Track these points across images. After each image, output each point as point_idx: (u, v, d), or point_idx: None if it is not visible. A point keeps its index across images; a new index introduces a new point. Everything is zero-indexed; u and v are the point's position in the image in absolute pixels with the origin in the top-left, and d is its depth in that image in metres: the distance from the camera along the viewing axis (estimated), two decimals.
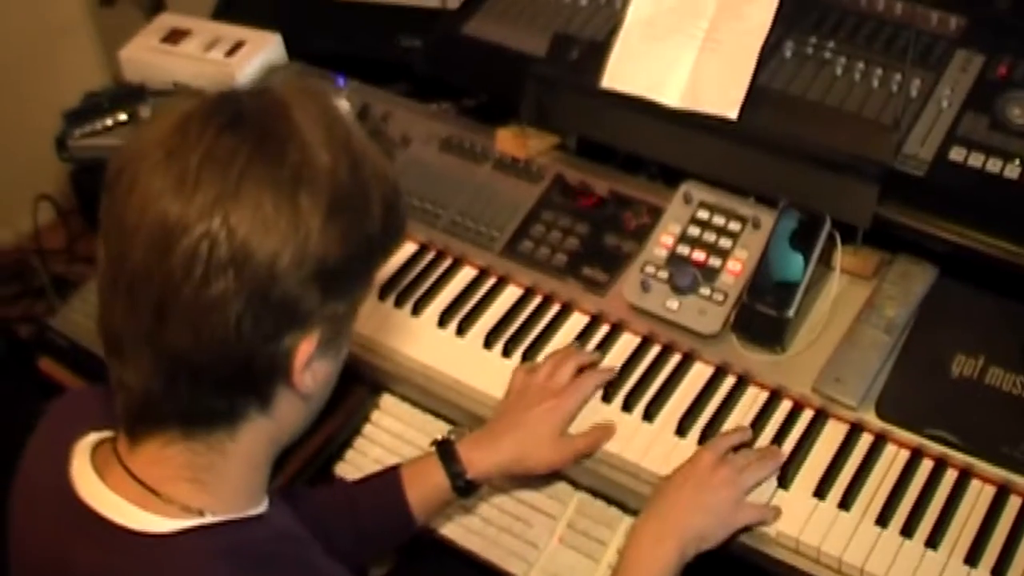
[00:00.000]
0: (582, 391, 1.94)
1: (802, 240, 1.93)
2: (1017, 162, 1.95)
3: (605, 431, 1.91)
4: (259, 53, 2.58)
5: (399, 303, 2.13)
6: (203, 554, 1.32)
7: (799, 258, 1.92)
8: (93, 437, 1.43)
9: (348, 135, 1.33)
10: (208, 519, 1.34)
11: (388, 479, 1.87)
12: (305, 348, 1.30)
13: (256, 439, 1.36)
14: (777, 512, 1.80)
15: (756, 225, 2.00)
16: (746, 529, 1.79)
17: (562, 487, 1.96)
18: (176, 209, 1.22)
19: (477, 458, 1.85)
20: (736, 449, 1.85)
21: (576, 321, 2.07)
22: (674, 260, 2.01)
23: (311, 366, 1.32)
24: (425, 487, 1.85)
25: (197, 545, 1.32)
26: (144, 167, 1.25)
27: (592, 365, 1.99)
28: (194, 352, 1.26)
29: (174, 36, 2.67)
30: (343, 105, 2.38)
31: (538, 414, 1.89)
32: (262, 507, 1.43)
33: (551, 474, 1.95)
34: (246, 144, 1.25)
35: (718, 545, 1.77)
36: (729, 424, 1.90)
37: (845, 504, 1.78)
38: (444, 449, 1.86)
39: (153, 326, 1.25)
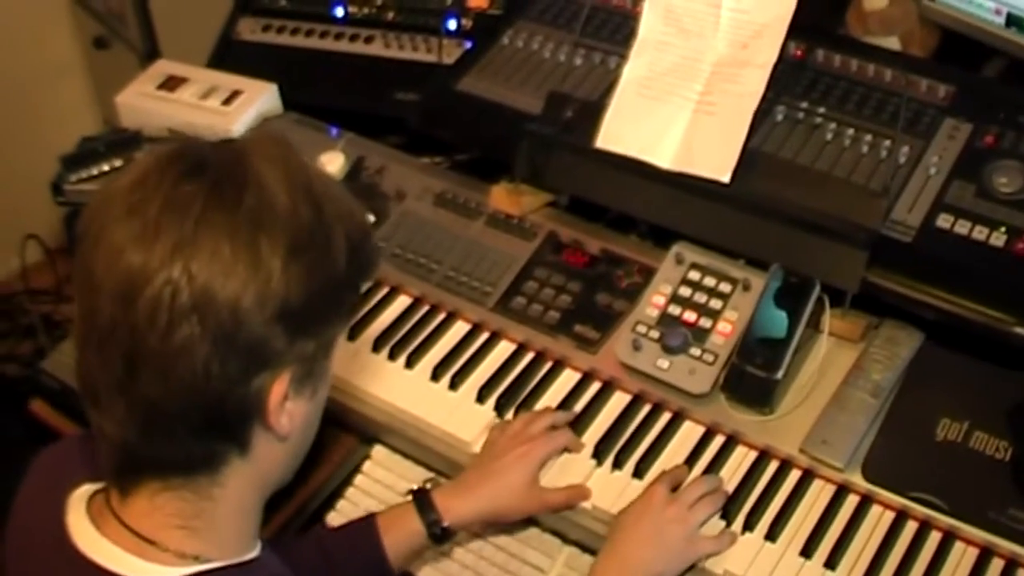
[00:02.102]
0: (553, 443, 1.96)
1: (791, 303, 1.96)
2: (1003, 230, 1.99)
3: (580, 491, 1.94)
4: (255, 103, 2.60)
5: (392, 356, 2.15)
6: None
7: (788, 321, 1.95)
8: (87, 488, 1.44)
9: (308, 177, 1.35)
10: (204, 566, 1.36)
11: (364, 527, 1.88)
12: (277, 388, 1.31)
13: (242, 484, 1.38)
14: (733, 538, 1.85)
15: (746, 287, 2.03)
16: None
17: (551, 540, 1.98)
18: (138, 259, 1.24)
19: (453, 506, 1.88)
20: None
21: (568, 378, 2.09)
22: (665, 320, 2.04)
23: (286, 407, 1.34)
24: (401, 535, 1.87)
25: None
26: (108, 220, 1.27)
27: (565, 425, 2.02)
28: (166, 400, 1.27)
29: (171, 83, 2.68)
30: (336, 157, 2.41)
31: (508, 462, 1.92)
32: (255, 551, 1.45)
33: (532, 522, 1.99)
34: (203, 190, 1.27)
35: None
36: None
37: (831, 564, 1.80)
38: (420, 498, 1.89)
39: (125, 376, 1.27)
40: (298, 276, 1.28)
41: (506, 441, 1.96)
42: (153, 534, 1.36)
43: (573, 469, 1.95)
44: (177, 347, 1.24)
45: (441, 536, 1.87)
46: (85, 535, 1.38)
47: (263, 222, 1.27)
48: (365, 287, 1.45)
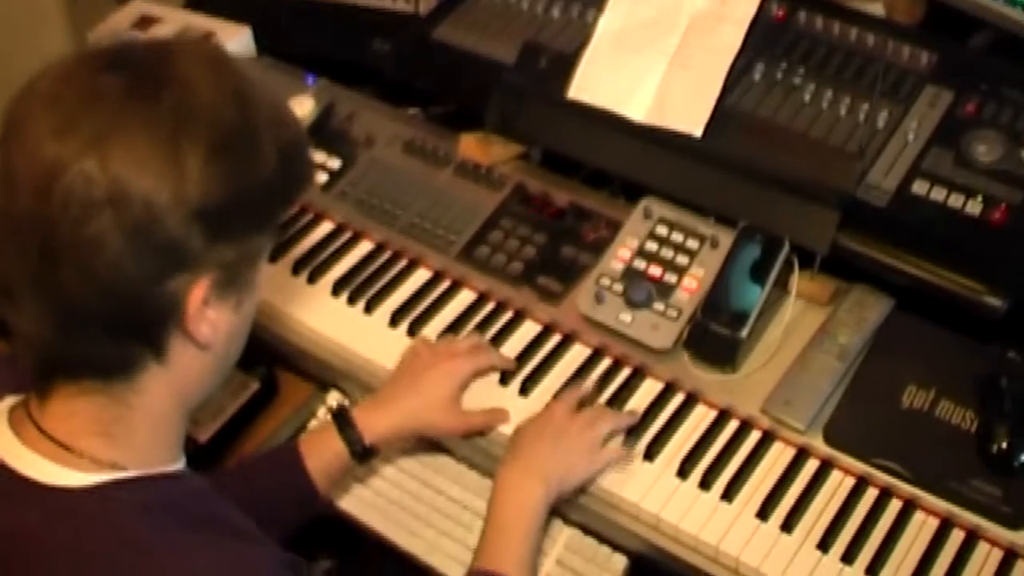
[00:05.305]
0: (477, 360, 1.97)
1: (759, 262, 1.93)
2: (979, 199, 1.95)
3: (502, 413, 1.93)
4: (228, 44, 2.54)
5: (352, 300, 2.12)
6: (117, 507, 1.33)
7: (755, 280, 1.92)
8: (9, 401, 1.43)
9: (238, 81, 1.34)
10: (122, 474, 1.35)
11: (286, 452, 1.88)
12: (196, 293, 1.30)
13: (160, 392, 1.37)
14: (631, 456, 1.85)
15: (714, 244, 1.99)
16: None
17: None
18: (54, 151, 1.23)
19: (373, 421, 1.87)
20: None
21: (528, 329, 2.06)
22: (630, 274, 2.00)
23: (207, 315, 1.33)
24: (323, 456, 1.85)
25: (111, 497, 1.33)
26: (29, 114, 1.27)
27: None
28: (80, 295, 1.26)
29: (144, 22, 2.64)
30: (306, 101, 2.38)
31: (433, 376, 1.92)
32: (179, 465, 1.44)
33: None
34: (122, 83, 1.26)
35: (580, 485, 1.83)
36: (676, 439, 1.89)
37: (787, 527, 1.77)
38: (340, 416, 1.88)
39: (39, 269, 1.26)
40: (218, 177, 1.27)
41: (429, 356, 1.95)
42: (70, 440, 1.34)
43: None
44: (90, 239, 1.23)
45: (363, 454, 1.87)
46: (5, 443, 1.37)
47: (183, 118, 1.26)
48: (298, 201, 1.42)
